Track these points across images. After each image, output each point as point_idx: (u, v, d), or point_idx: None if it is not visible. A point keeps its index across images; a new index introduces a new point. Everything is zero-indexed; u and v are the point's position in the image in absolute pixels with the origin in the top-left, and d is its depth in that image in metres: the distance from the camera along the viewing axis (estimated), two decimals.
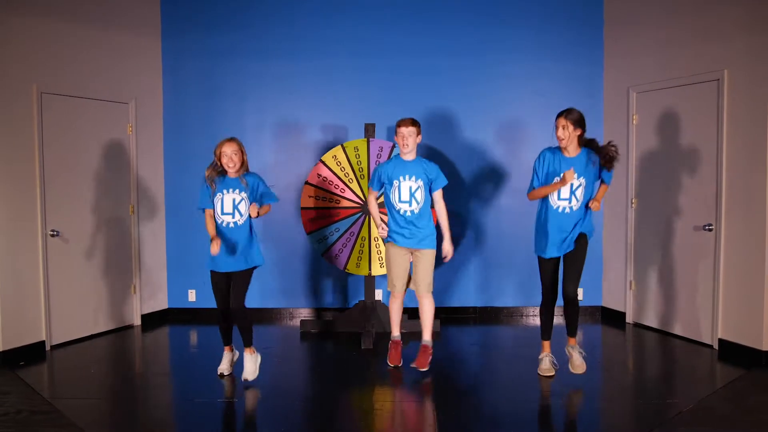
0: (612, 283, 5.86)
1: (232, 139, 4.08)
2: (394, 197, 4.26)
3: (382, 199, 4.88)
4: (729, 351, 4.74)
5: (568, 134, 3.96)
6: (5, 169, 4.71)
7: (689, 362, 4.71)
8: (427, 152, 5.85)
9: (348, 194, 5.37)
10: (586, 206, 4.08)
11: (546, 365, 4.28)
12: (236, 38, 5.91)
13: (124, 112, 5.63)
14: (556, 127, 4.01)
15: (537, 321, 5.92)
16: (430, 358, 4.35)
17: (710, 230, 4.89)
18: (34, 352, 4.88)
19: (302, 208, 5.38)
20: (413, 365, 4.32)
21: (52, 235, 5.02)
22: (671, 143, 5.21)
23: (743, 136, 4.62)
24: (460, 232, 5.96)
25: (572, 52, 5.89)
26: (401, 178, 4.23)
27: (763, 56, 4.46)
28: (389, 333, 5.38)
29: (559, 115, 4.01)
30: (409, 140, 4.21)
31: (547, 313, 4.28)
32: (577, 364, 4.16)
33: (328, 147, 5.80)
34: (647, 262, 5.50)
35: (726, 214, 4.76)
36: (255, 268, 4.16)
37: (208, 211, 4.12)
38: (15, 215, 4.78)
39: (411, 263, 4.42)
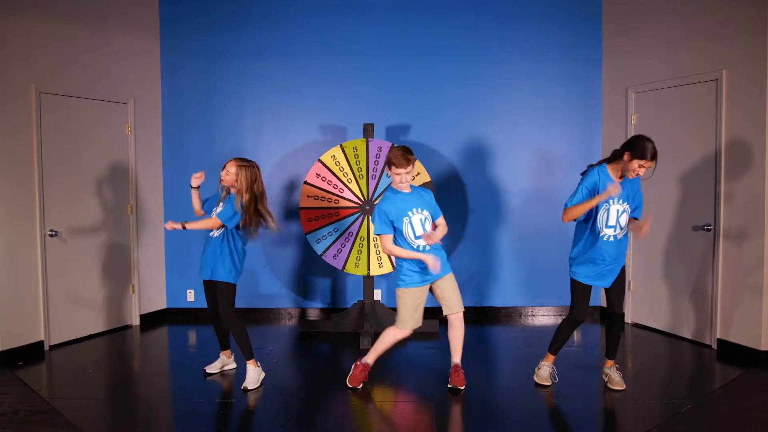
0: None
1: (234, 159, 4.10)
2: (408, 234, 3.93)
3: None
4: (727, 351, 4.74)
5: (650, 174, 3.69)
6: (4, 169, 4.71)
7: (688, 362, 4.71)
8: (427, 152, 5.86)
9: (347, 194, 5.37)
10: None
11: (545, 374, 4.15)
12: (235, 38, 5.91)
13: (123, 112, 5.62)
14: (641, 167, 3.61)
15: (536, 321, 5.93)
16: (462, 381, 4.09)
17: (709, 230, 4.89)
18: (33, 352, 4.88)
19: (301, 208, 5.37)
20: (450, 386, 4.06)
21: (51, 235, 5.01)
22: (670, 143, 5.21)
23: (742, 135, 4.62)
24: (460, 232, 5.96)
25: (571, 51, 5.90)
26: (410, 213, 3.91)
27: (761, 56, 4.46)
28: None
29: (653, 158, 3.60)
30: (407, 178, 3.91)
31: (566, 332, 4.09)
32: (616, 380, 4.03)
33: (327, 147, 5.80)
34: (646, 262, 5.51)
35: (725, 214, 4.76)
36: (225, 283, 4.09)
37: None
38: (13, 215, 4.77)
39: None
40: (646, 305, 5.54)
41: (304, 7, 5.90)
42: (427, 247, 3.95)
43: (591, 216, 3.81)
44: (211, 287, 4.20)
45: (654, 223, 5.38)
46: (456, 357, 4.14)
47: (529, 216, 5.95)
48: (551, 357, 4.18)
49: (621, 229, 3.80)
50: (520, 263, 5.98)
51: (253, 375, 4.14)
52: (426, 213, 3.97)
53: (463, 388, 4.06)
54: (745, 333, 4.62)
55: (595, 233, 3.81)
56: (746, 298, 4.61)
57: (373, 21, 5.90)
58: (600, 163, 3.89)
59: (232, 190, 4.09)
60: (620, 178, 3.77)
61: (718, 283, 4.81)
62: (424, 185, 5.21)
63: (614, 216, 3.76)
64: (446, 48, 5.90)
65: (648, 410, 3.70)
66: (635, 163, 3.61)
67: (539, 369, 4.21)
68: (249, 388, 4.09)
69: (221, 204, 4.12)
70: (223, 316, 4.12)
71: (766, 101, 4.43)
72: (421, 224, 3.93)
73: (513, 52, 5.90)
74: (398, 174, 3.87)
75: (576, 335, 5.43)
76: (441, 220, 4.10)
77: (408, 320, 4.01)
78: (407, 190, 3.99)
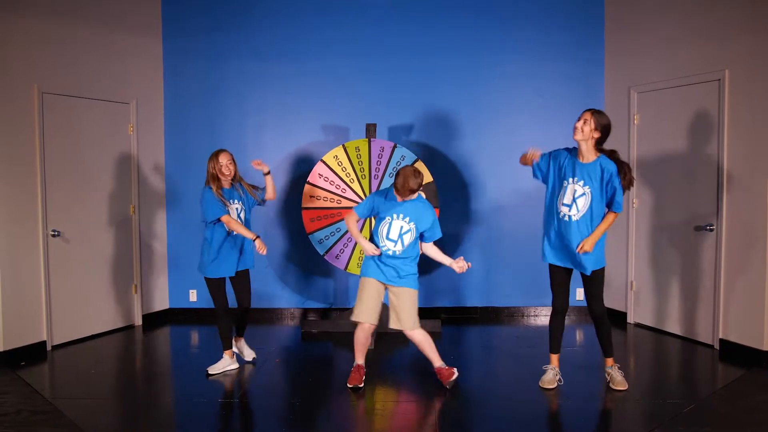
0: (613, 283, 5.85)
1: (223, 150, 4.38)
2: (381, 232, 3.98)
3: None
4: (730, 351, 4.73)
5: (587, 130, 3.76)
6: (6, 170, 4.72)
7: (690, 362, 4.71)
8: (429, 152, 5.86)
9: (349, 194, 5.37)
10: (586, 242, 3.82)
11: (549, 377, 4.11)
12: (237, 39, 5.91)
13: (126, 112, 5.63)
14: (578, 119, 3.82)
15: (538, 321, 5.93)
16: (451, 370, 4.09)
17: (711, 230, 4.88)
18: (35, 352, 4.89)
19: (303, 208, 5.38)
20: (447, 383, 4.06)
21: (53, 236, 5.02)
22: (672, 143, 5.21)
23: (744, 136, 4.62)
24: (461, 232, 5.96)
25: (573, 52, 5.89)
26: (394, 216, 3.95)
27: (764, 56, 4.46)
28: (390, 333, 5.40)
29: (586, 110, 3.83)
30: (411, 197, 3.94)
31: (554, 324, 4.12)
32: (618, 380, 4.02)
33: (329, 147, 5.80)
34: (648, 263, 5.50)
35: (727, 214, 4.75)
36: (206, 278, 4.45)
37: (227, 217, 4.29)
38: (16, 215, 4.78)
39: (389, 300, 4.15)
40: (649, 305, 5.53)
41: (306, 7, 5.90)
42: (390, 253, 3.97)
43: (554, 191, 3.95)
44: (243, 278, 4.54)
45: (656, 223, 5.39)
46: (435, 362, 4.12)
47: (529, 216, 5.94)
48: (553, 357, 4.17)
49: (578, 210, 3.82)
50: (521, 263, 5.97)
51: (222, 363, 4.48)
52: (411, 225, 3.94)
53: (454, 377, 4.04)
54: (747, 333, 4.62)
55: (552, 209, 3.94)
56: (748, 298, 4.60)
57: (374, 21, 5.91)
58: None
59: (234, 182, 4.44)
60: (585, 158, 3.84)
61: (720, 283, 4.81)
62: (426, 185, 5.21)
63: (570, 195, 3.83)
64: (447, 48, 5.90)
65: (650, 410, 3.70)
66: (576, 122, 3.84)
67: (544, 373, 4.17)
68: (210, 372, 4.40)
69: (239, 201, 4.41)
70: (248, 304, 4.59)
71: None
72: (399, 232, 3.94)
73: (514, 52, 5.89)
74: (408, 194, 3.91)
75: (578, 335, 5.43)
76: (431, 246, 4.12)
77: (359, 309, 4.04)
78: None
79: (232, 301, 4.56)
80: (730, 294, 4.75)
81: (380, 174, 5.35)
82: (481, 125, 5.92)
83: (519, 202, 5.93)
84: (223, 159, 4.31)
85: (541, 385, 4.11)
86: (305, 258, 5.98)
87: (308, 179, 5.39)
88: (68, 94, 5.13)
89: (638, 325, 5.62)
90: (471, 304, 6.04)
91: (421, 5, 5.90)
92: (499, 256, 5.99)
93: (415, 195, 3.96)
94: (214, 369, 4.41)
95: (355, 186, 5.37)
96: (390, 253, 3.97)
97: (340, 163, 5.36)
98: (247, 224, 4.45)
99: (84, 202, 5.29)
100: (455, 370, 4.09)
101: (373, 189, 5.35)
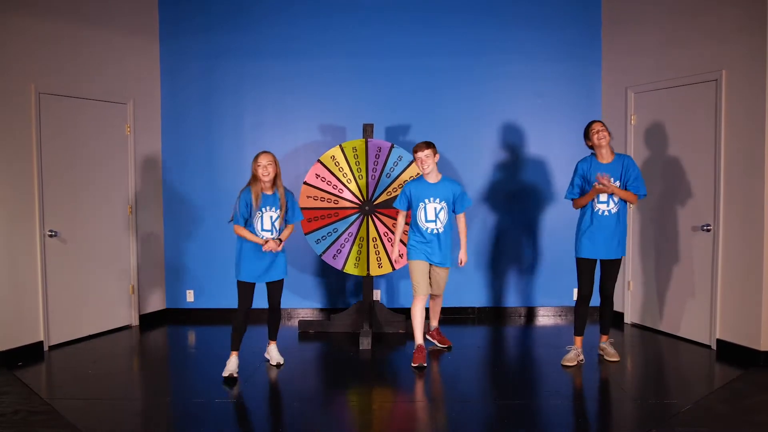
0: None
1: (266, 152, 4.30)
2: (420, 217, 4.57)
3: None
4: (727, 351, 4.74)
5: (605, 136, 4.33)
6: (3, 170, 4.70)
7: (687, 362, 4.71)
8: None
9: (346, 194, 5.37)
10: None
11: (570, 356, 4.52)
12: (234, 39, 5.91)
13: (123, 112, 5.62)
14: (595, 131, 4.36)
15: (538, 322, 5.93)
16: (446, 341, 5.02)
17: (708, 230, 4.89)
18: (32, 353, 4.88)
19: (300, 209, 5.37)
20: (447, 345, 5.01)
21: (50, 236, 5.01)
22: (669, 143, 5.22)
23: (741, 136, 4.62)
24: None
25: (570, 52, 5.90)
26: (427, 201, 4.55)
27: (761, 57, 4.46)
28: (387, 333, 5.42)
29: (593, 121, 4.43)
30: (427, 162, 4.50)
31: (581, 310, 4.54)
32: (611, 352, 4.59)
33: (327, 147, 5.80)
34: (645, 263, 5.51)
35: (724, 214, 4.76)
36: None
37: (236, 226, 4.30)
38: (13, 215, 4.77)
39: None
40: (646, 305, 5.54)
41: (304, 7, 5.90)
42: (434, 232, 4.57)
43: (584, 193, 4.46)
44: (273, 287, 4.54)
45: (654, 223, 5.39)
46: (434, 321, 5.12)
47: (528, 216, 5.95)
48: (577, 339, 4.56)
49: (615, 204, 4.35)
50: (520, 263, 5.98)
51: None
52: (443, 204, 4.56)
53: (445, 345, 5.01)
54: (744, 333, 4.63)
55: (591, 209, 4.41)
56: (746, 299, 4.61)
57: (373, 21, 5.90)
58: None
59: (273, 187, 4.33)
60: (606, 159, 4.40)
61: (717, 283, 4.82)
62: None
63: (605, 193, 4.31)
64: (446, 48, 5.90)
65: (648, 410, 3.70)
66: (593, 136, 4.37)
67: (567, 353, 4.59)
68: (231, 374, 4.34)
69: (278, 210, 4.34)
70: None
71: (765, 101, 4.43)
72: (435, 213, 4.55)
73: (512, 52, 5.90)
74: (419, 159, 4.52)
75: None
76: (462, 217, 4.72)
77: (416, 283, 4.65)
78: (434, 178, 4.59)
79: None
80: (728, 294, 4.76)
81: (377, 174, 5.35)
82: (480, 125, 5.92)
83: (518, 202, 5.94)
84: (263, 160, 4.23)
85: (562, 363, 4.50)
86: (302, 258, 5.97)
87: (305, 179, 5.38)
88: (65, 94, 5.12)
89: (635, 325, 5.63)
90: (471, 304, 6.04)
91: (419, 5, 5.90)
92: (500, 256, 5.99)
93: (430, 149, 4.51)
94: (226, 371, 4.33)
95: (352, 186, 5.37)
96: (435, 232, 4.57)
97: (337, 164, 5.36)
98: (279, 232, 4.39)
99: (81, 202, 5.28)
100: (450, 343, 5.00)
101: (370, 189, 5.35)
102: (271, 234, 4.33)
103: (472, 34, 5.90)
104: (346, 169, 5.36)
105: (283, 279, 4.54)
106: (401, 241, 4.92)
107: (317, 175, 5.36)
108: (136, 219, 5.76)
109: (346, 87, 5.92)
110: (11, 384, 4.26)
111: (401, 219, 4.79)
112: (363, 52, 5.90)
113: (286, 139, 5.94)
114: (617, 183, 4.33)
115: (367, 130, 5.42)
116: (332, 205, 5.37)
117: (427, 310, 5.24)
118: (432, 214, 4.56)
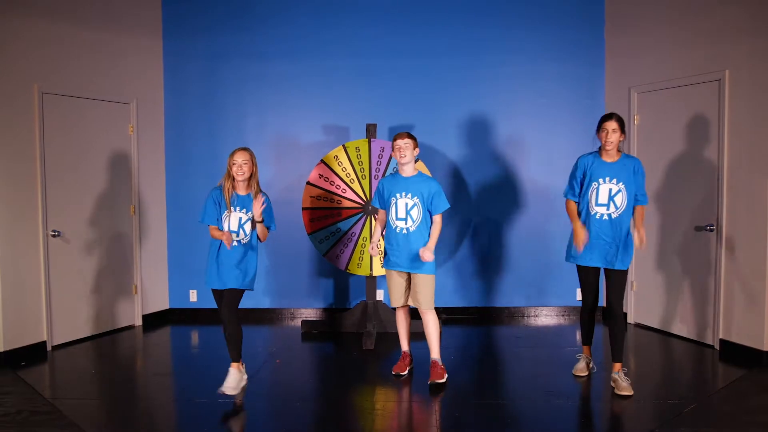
0: None
1: (244, 148, 3.91)
2: (391, 215, 4.20)
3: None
4: (730, 351, 4.73)
5: (616, 138, 3.93)
6: (6, 170, 4.71)
7: (690, 363, 4.71)
8: (429, 152, 5.85)
9: (349, 194, 5.37)
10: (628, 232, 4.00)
11: (581, 365, 4.34)
12: (237, 39, 5.91)
13: (126, 112, 5.63)
14: (605, 131, 3.93)
15: (538, 321, 5.93)
16: (444, 371, 4.20)
17: (711, 230, 4.88)
18: (35, 353, 4.89)
19: (303, 209, 5.37)
20: (430, 381, 4.15)
21: (53, 236, 5.02)
22: (672, 143, 5.21)
23: (744, 136, 4.62)
24: (461, 232, 5.96)
25: (573, 52, 5.89)
26: (398, 195, 4.17)
27: (764, 57, 4.46)
28: (390, 333, 5.41)
29: (608, 118, 3.95)
30: (405, 152, 4.12)
31: (587, 320, 4.28)
32: (623, 386, 3.95)
33: (330, 147, 5.80)
34: (648, 263, 5.50)
35: (727, 214, 4.75)
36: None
37: (211, 227, 3.90)
38: (16, 216, 4.78)
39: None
40: (649, 305, 5.53)
41: (306, 7, 5.90)
42: (403, 232, 4.15)
43: (583, 196, 4.08)
44: (229, 296, 3.93)
45: (657, 223, 5.38)
46: (433, 352, 4.27)
47: (530, 216, 5.95)
48: (586, 349, 4.35)
49: (616, 208, 3.96)
50: (522, 263, 5.98)
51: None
52: (416, 200, 4.15)
53: (442, 380, 4.14)
54: (747, 333, 4.62)
55: (586, 211, 4.04)
56: (749, 299, 4.60)
57: (375, 22, 5.90)
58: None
59: (249, 187, 3.88)
60: (611, 158, 4.01)
61: (720, 283, 4.81)
62: None
63: (605, 195, 3.96)
64: (448, 48, 5.90)
65: (651, 410, 3.70)
66: (601, 135, 3.97)
67: (577, 362, 4.40)
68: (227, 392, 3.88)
69: (249, 212, 3.86)
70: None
71: None
72: (405, 209, 4.16)
73: (514, 52, 5.89)
74: (397, 147, 4.14)
75: (578, 335, 5.42)
76: (437, 218, 4.21)
77: (390, 295, 4.34)
78: (409, 172, 4.21)
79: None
80: (731, 294, 4.75)
81: (380, 174, 5.34)
82: (482, 125, 5.91)
83: (520, 202, 5.93)
84: (239, 158, 3.84)
85: (573, 372, 4.33)
86: (305, 258, 5.98)
87: (308, 179, 5.38)
88: (68, 95, 5.13)
89: (638, 326, 5.62)
90: (471, 304, 6.04)
91: (421, 6, 5.90)
92: (500, 255, 5.99)
93: (410, 138, 4.15)
94: (229, 388, 3.89)
95: (356, 186, 5.37)
96: (404, 232, 4.16)
97: (340, 164, 5.36)
98: (252, 237, 3.96)
99: (84, 202, 5.29)
100: (446, 376, 4.21)
101: (374, 189, 5.35)
102: (237, 235, 3.87)
103: (475, 35, 5.90)
104: (350, 169, 5.36)
105: (239, 290, 3.91)
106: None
107: (320, 175, 5.36)
108: (139, 219, 5.77)
109: (349, 87, 5.92)
110: (14, 384, 4.26)
111: (381, 216, 4.35)
112: (366, 52, 5.90)
113: (289, 139, 5.94)
114: (614, 181, 3.94)
115: (370, 130, 5.42)
116: (335, 205, 5.37)
117: None
118: (402, 211, 4.15)
